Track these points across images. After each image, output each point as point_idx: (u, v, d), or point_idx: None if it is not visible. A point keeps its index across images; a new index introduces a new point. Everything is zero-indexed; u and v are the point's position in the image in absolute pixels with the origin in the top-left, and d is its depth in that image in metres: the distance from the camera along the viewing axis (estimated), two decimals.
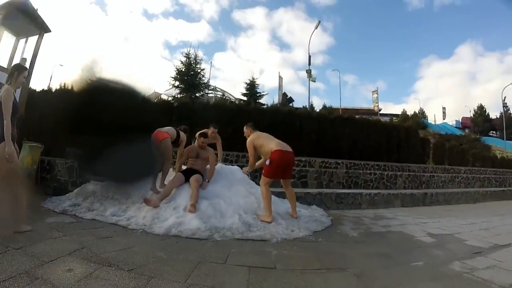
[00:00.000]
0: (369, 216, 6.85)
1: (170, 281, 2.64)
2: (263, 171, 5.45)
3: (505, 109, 49.73)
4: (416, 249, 4.40)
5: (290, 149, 5.56)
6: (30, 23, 7.78)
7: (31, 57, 8.12)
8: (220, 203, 5.23)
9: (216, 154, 6.90)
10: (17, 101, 4.10)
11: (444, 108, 67.01)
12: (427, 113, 63.98)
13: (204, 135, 6.20)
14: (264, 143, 5.53)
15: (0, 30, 7.24)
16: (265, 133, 5.85)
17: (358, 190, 9.08)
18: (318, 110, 30.57)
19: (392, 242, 4.75)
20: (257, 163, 5.91)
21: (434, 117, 64.57)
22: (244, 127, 6.05)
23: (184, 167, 6.17)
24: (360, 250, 4.15)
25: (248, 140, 5.71)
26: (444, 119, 63.98)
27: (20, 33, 8.28)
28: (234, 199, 5.46)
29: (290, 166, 5.83)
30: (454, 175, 14.19)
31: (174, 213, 4.78)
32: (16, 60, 8.19)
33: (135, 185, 5.61)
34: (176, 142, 6.33)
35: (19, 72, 3.98)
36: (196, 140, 6.19)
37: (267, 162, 5.29)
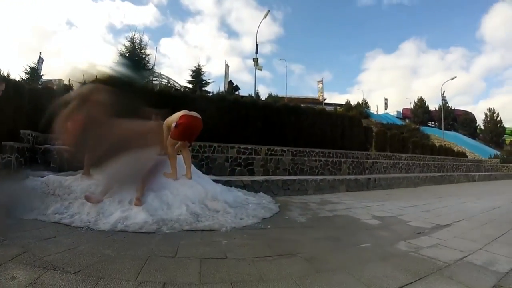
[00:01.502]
0: (316, 201, 6.99)
1: (119, 280, 2.50)
2: (170, 134, 5.69)
3: (444, 102, 52.59)
4: (363, 231, 4.51)
5: (198, 116, 5.85)
6: None
7: None
8: (166, 194, 5.09)
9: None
10: None
11: (386, 99, 70.19)
12: (370, 103, 66.19)
13: None
14: (173, 117, 5.77)
15: None
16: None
17: (304, 176, 9.29)
18: (264, 99, 30.74)
19: (339, 226, 4.84)
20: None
21: (376, 107, 67.32)
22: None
23: None
24: (309, 235, 4.18)
25: (164, 123, 5.90)
26: (386, 109, 66.95)
27: None
28: (180, 190, 5.31)
29: (196, 131, 6.01)
30: (395, 161, 14.85)
31: (119, 207, 4.56)
32: None
33: None
34: None
35: None
36: None
37: (173, 125, 5.61)
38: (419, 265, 3.03)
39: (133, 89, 10.18)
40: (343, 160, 11.93)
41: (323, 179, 8.91)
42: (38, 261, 2.80)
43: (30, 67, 27.01)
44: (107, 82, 7.01)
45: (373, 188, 10.24)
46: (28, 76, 25.44)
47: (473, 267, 3.02)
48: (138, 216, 4.29)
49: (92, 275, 2.55)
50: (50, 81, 29.47)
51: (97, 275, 2.55)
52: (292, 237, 4.04)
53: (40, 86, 15.48)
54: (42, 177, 5.44)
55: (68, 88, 10.87)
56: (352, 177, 10.28)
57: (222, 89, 28.04)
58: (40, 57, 34.28)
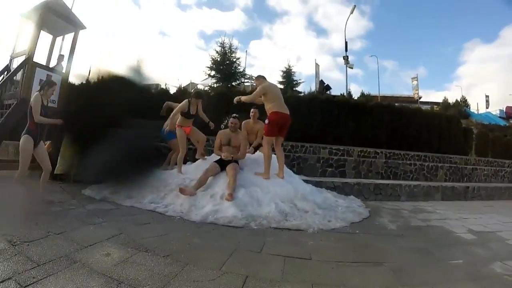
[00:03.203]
0: (408, 208, 6.74)
1: (204, 268, 2.67)
2: (264, 132, 6.08)
3: None
4: (456, 246, 4.23)
5: (287, 112, 6.07)
6: (65, 22, 8.03)
7: (68, 53, 8.41)
8: (257, 191, 5.25)
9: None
10: (45, 106, 4.86)
11: (487, 96, 63.74)
12: (469, 101, 61.25)
13: (234, 116, 6.26)
14: (270, 97, 6.04)
15: (37, 29, 7.48)
16: (274, 86, 6.56)
17: (397, 181, 8.97)
18: (356, 98, 29.97)
19: (431, 237, 4.61)
20: (245, 99, 6.29)
21: (476, 105, 61.75)
22: (255, 79, 6.68)
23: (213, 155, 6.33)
24: (398, 244, 4.05)
25: (264, 85, 6.18)
26: (487, 108, 61.29)
27: (56, 31, 8.67)
28: (271, 188, 5.43)
29: (285, 126, 6.13)
30: (497, 168, 13.62)
31: (211, 201, 4.84)
32: (54, 57, 8.87)
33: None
34: (189, 113, 6.35)
35: (49, 87, 4.94)
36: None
37: (266, 121, 5.97)
38: None
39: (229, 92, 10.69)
40: (439, 165, 11.31)
41: (417, 185, 8.52)
42: (132, 243, 3.12)
43: None
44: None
45: (471, 198, 9.50)
46: None
47: None
48: (228, 211, 4.51)
49: (180, 260, 2.78)
50: (151, 85, 31.76)
51: (184, 261, 2.77)
52: (380, 245, 3.95)
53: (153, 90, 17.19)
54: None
55: (164, 91, 11.87)
56: (449, 184, 9.68)
57: (313, 88, 27.78)
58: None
